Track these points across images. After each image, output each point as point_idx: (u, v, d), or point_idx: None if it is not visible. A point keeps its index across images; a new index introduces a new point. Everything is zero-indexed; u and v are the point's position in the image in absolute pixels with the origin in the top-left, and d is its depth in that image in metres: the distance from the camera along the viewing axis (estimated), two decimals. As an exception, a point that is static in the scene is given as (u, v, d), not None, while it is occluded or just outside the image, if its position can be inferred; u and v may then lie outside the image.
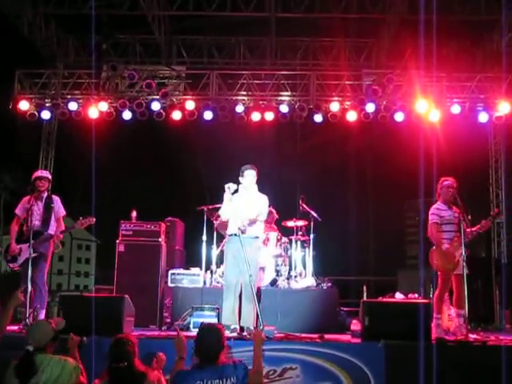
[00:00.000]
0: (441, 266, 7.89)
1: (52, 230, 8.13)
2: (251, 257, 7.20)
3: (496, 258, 12.53)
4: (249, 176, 7.61)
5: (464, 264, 7.62)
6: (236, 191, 7.50)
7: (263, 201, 7.69)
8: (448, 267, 7.79)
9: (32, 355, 4.66)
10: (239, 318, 7.36)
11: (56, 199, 8.33)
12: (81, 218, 8.08)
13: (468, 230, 7.88)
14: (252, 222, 7.47)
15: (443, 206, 8.10)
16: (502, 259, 12.71)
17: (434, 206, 8.17)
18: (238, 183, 7.58)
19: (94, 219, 8.14)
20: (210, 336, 4.59)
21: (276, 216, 10.20)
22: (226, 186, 7.46)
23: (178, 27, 13.05)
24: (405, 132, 12.02)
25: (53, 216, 8.20)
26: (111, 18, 12.10)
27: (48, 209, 8.17)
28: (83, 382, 4.94)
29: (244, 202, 7.52)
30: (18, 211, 8.21)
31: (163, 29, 12.67)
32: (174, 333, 7.70)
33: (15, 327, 7.60)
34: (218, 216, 8.19)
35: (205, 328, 4.74)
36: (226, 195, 7.49)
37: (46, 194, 8.27)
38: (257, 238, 7.58)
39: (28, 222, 8.02)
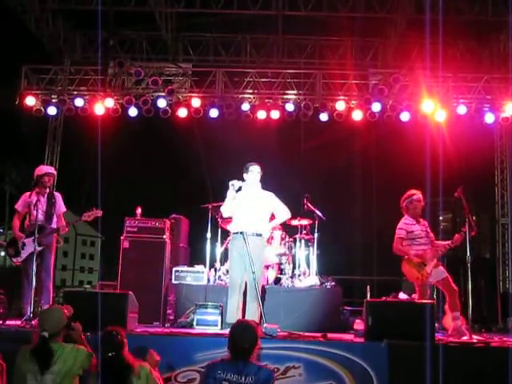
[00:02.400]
0: (411, 277, 7.89)
1: (55, 224, 8.19)
2: (256, 255, 7.20)
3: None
4: (253, 172, 7.58)
5: (442, 268, 7.70)
6: (240, 189, 7.49)
7: (274, 199, 7.68)
8: (418, 278, 7.76)
9: (48, 341, 4.70)
10: (243, 317, 7.36)
11: (58, 195, 8.40)
12: (86, 210, 8.13)
13: (444, 243, 7.87)
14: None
15: (411, 220, 8.01)
16: (507, 260, 12.71)
17: (402, 220, 8.05)
18: (243, 181, 7.57)
19: (101, 212, 8.16)
20: (242, 333, 4.59)
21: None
22: (230, 182, 7.45)
23: (184, 24, 13.06)
24: (410, 132, 12.02)
25: (55, 212, 8.25)
26: (118, 15, 12.11)
27: (50, 204, 8.21)
28: (95, 362, 4.98)
29: (247, 200, 7.51)
30: (18, 207, 8.26)
31: (170, 26, 12.67)
32: (178, 330, 7.75)
33: (18, 321, 7.62)
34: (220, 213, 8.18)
35: (238, 324, 4.78)
36: (230, 192, 7.49)
37: (48, 190, 8.32)
38: (260, 235, 7.55)
39: (31, 216, 8.05)
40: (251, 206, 7.48)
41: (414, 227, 7.96)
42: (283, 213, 7.73)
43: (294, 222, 10.23)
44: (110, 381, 4.65)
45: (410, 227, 7.95)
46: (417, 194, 8.05)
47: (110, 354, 4.66)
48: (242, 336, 4.57)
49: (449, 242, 7.86)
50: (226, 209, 7.65)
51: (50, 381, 4.62)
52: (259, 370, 4.45)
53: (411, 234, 7.92)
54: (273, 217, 7.80)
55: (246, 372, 4.41)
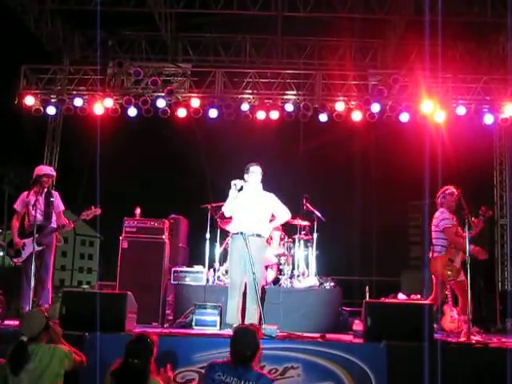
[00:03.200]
0: (439, 274, 7.89)
1: (54, 223, 8.19)
2: (256, 256, 7.19)
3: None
4: (255, 173, 7.58)
5: (468, 271, 7.63)
6: (241, 189, 7.47)
7: (275, 200, 7.68)
8: (449, 275, 7.79)
9: (25, 345, 4.69)
10: (243, 317, 7.35)
11: (55, 194, 8.41)
12: (85, 209, 8.13)
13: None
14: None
15: (448, 213, 8.06)
16: (505, 261, 12.71)
17: (441, 211, 8.10)
18: (245, 181, 7.56)
19: (99, 210, 8.16)
20: (243, 340, 4.56)
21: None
22: (233, 182, 7.44)
23: (184, 24, 13.05)
24: (410, 133, 12.02)
25: (53, 210, 8.25)
26: (117, 15, 12.10)
27: (48, 203, 8.21)
28: (80, 359, 4.96)
29: (248, 201, 7.49)
30: (17, 206, 8.25)
31: (169, 26, 12.67)
32: (177, 330, 7.74)
33: (16, 322, 7.61)
34: (222, 213, 8.16)
35: (239, 330, 4.76)
36: (232, 192, 7.48)
37: (45, 189, 8.31)
38: (261, 236, 7.54)
39: (30, 216, 8.05)
40: (252, 206, 7.47)
41: (453, 221, 8.01)
42: (283, 214, 7.74)
43: (293, 223, 10.23)
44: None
45: (452, 220, 8.01)
46: (449, 189, 8.12)
47: (136, 361, 4.57)
48: (243, 343, 4.53)
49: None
50: (227, 208, 7.65)
51: (26, 380, 4.61)
52: (260, 378, 4.40)
53: None
54: (273, 218, 7.80)
55: (246, 377, 4.37)
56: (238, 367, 4.44)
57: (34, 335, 4.77)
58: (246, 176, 7.62)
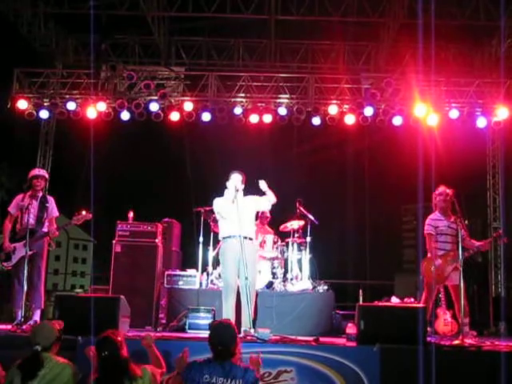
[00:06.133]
0: (428, 276, 7.94)
1: (46, 228, 8.15)
2: (250, 258, 7.21)
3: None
4: (233, 179, 7.58)
5: (460, 275, 7.62)
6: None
7: (255, 196, 7.73)
8: (435, 279, 7.82)
9: (39, 354, 4.74)
10: (237, 320, 7.34)
11: (51, 199, 8.36)
12: (76, 213, 8.09)
13: (476, 243, 7.88)
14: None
15: (439, 215, 8.08)
16: (499, 264, 12.71)
17: (430, 216, 8.17)
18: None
19: (91, 215, 8.13)
20: (224, 331, 4.68)
21: (268, 216, 10.29)
22: (232, 185, 7.47)
23: (177, 28, 13.04)
24: (403, 136, 12.04)
25: (46, 215, 8.21)
26: (110, 18, 12.07)
27: (43, 208, 8.17)
28: None
29: (239, 205, 7.48)
30: (11, 209, 8.21)
31: (162, 30, 12.65)
32: (170, 334, 7.72)
33: (9, 326, 7.59)
34: (215, 216, 8.14)
35: (218, 324, 4.86)
36: (230, 195, 7.50)
37: (41, 194, 8.28)
38: (252, 239, 7.57)
39: (23, 220, 8.01)
40: (241, 211, 7.47)
41: (439, 223, 8.06)
42: (268, 197, 7.70)
43: (287, 226, 10.25)
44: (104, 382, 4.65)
45: (436, 222, 8.07)
46: (440, 189, 8.18)
47: (103, 354, 4.66)
48: (220, 337, 4.63)
49: (478, 243, 7.94)
50: (219, 210, 7.65)
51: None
52: (246, 373, 4.50)
53: (437, 230, 8.03)
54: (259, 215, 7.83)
55: (233, 374, 4.45)
56: (223, 365, 4.50)
57: (46, 346, 4.84)
58: (227, 183, 7.61)
